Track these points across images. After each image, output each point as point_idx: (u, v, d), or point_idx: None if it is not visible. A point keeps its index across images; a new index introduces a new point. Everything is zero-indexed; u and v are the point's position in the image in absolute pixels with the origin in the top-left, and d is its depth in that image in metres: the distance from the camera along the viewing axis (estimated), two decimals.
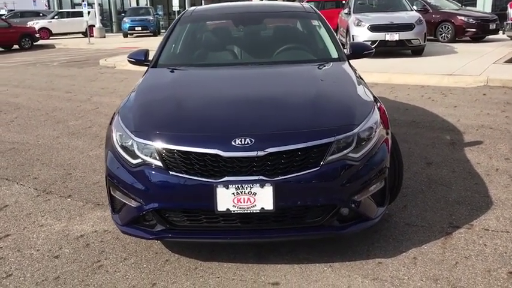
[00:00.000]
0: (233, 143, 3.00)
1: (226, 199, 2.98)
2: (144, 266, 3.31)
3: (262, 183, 2.95)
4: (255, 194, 2.97)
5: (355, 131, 3.17)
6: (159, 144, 3.09)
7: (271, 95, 3.68)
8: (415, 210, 4.00)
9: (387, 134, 3.51)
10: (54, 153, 5.89)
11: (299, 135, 3.07)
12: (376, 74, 9.87)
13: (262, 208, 3.00)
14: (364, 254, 3.36)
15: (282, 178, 2.98)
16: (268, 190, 2.96)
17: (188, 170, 3.03)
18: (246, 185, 2.96)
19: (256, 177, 2.97)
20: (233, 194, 2.97)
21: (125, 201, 3.23)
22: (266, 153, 2.97)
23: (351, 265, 3.24)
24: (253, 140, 3.01)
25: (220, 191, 2.97)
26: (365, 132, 3.23)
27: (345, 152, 3.11)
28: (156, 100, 3.75)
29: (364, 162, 3.17)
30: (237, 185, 2.96)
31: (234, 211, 3.01)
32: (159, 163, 3.09)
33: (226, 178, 2.98)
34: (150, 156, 3.11)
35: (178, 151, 3.04)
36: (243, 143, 3.00)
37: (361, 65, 6.75)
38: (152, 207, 3.12)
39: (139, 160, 3.15)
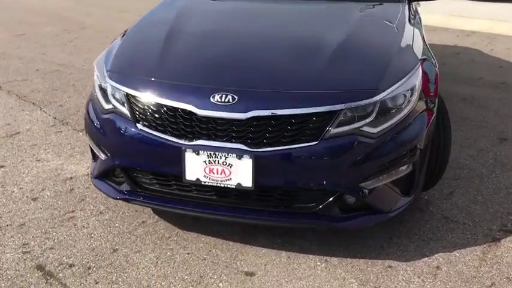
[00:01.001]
0: (211, 99, 2.39)
1: (196, 167, 2.42)
2: (116, 225, 2.92)
3: (240, 154, 2.34)
4: (230, 165, 2.38)
5: (377, 98, 2.41)
6: (129, 90, 2.56)
7: (285, 39, 2.96)
8: (462, 201, 3.18)
9: (430, 105, 2.68)
10: (91, 81, 5.61)
11: (295, 98, 2.38)
12: (474, 21, 8.42)
13: (239, 184, 2.41)
14: (374, 252, 2.69)
15: (266, 150, 2.34)
16: (247, 163, 2.35)
17: (157, 125, 2.49)
18: (221, 154, 2.37)
19: (235, 146, 2.37)
20: (204, 162, 2.40)
21: (95, 150, 2.80)
22: (249, 116, 2.33)
23: (351, 264, 2.60)
24: (236, 98, 2.37)
25: (190, 157, 2.41)
26: (393, 101, 2.46)
27: (358, 124, 2.38)
28: (147, 34, 3.19)
29: (384, 139, 2.43)
30: (209, 152, 2.38)
31: (205, 182, 2.45)
32: (127, 112, 2.57)
33: (199, 142, 2.40)
34: (121, 103, 2.60)
35: (148, 101, 2.48)
36: (222, 100, 2.37)
37: (460, 8, 5.56)
38: (117, 163, 2.65)
39: (110, 106, 2.66)
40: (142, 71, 2.64)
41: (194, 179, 2.45)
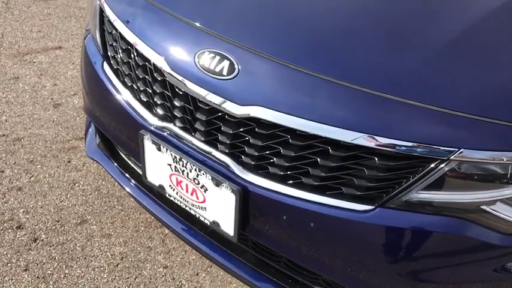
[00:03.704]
0: (195, 59, 1.22)
1: (159, 168, 1.37)
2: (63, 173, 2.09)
3: (217, 178, 1.21)
4: (204, 188, 1.27)
5: None
6: (104, 4, 1.50)
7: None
8: None
9: None
10: None
11: (357, 108, 1.09)
12: None
13: (216, 223, 1.31)
14: None
15: (269, 189, 1.17)
16: (228, 198, 1.22)
17: (124, 75, 1.44)
18: (191, 164, 1.26)
19: (216, 157, 1.23)
20: (170, 166, 1.33)
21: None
22: (246, 113, 1.14)
23: None
24: (236, 69, 1.17)
25: (150, 149, 1.35)
26: None
27: (478, 196, 1.02)
28: None
29: None
30: (175, 154, 1.29)
31: (170, 196, 1.40)
32: (98, 40, 1.55)
33: (165, 125, 1.31)
34: (94, 25, 1.58)
35: (120, 30, 1.41)
36: (211, 68, 1.19)
37: None
38: (84, 111, 1.72)
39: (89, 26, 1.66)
40: None
41: (157, 184, 1.42)
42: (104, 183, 2.07)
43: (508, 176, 1.01)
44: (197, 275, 1.73)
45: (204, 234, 1.43)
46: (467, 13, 1.26)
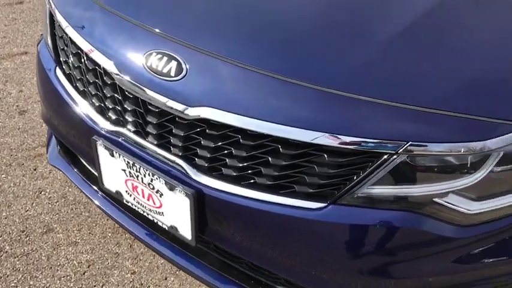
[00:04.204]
0: (144, 60, 1.19)
1: (115, 174, 1.34)
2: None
3: (171, 182, 1.19)
4: (160, 193, 1.24)
5: (496, 141, 0.97)
6: (53, 7, 1.46)
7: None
8: None
9: None
10: None
11: (307, 104, 1.07)
12: None
13: (174, 228, 1.29)
14: None
15: (223, 191, 1.14)
16: (183, 202, 1.19)
17: (77, 81, 1.40)
18: (144, 168, 1.23)
19: (170, 160, 1.20)
20: (124, 172, 1.30)
21: None
22: (197, 114, 1.11)
23: None
24: (184, 69, 1.14)
25: (103, 154, 1.32)
26: None
27: (431, 188, 1.01)
28: None
29: (492, 233, 1.04)
30: (128, 159, 1.26)
31: (127, 202, 1.38)
32: (50, 44, 1.52)
33: (117, 130, 1.28)
34: (45, 29, 1.54)
35: (71, 39, 1.37)
36: (159, 69, 1.16)
37: None
38: (43, 119, 1.68)
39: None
40: None
41: (114, 190, 1.39)
42: (70, 190, 2.03)
43: (459, 167, 1.00)
44: (165, 279, 1.70)
45: (165, 239, 1.41)
46: (416, 5, 1.24)
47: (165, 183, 1.19)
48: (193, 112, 1.11)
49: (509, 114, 0.98)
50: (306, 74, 1.08)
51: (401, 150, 0.97)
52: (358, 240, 1.06)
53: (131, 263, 1.76)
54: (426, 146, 0.97)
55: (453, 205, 1.02)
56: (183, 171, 1.17)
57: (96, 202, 1.57)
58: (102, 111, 1.32)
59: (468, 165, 1.00)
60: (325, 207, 1.06)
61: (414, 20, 1.17)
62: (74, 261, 1.75)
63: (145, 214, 1.34)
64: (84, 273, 1.71)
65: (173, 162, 1.18)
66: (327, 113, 1.04)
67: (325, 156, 1.03)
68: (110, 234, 1.85)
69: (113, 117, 1.30)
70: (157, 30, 1.22)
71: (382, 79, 1.05)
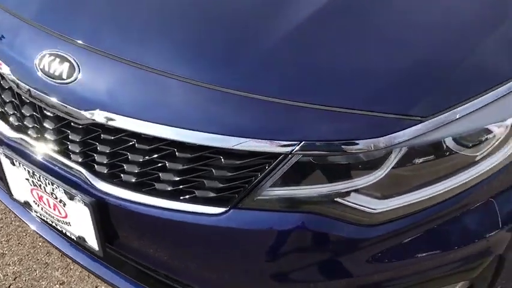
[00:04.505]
0: (37, 64, 1.12)
1: (20, 184, 1.26)
2: None
3: (69, 191, 1.12)
4: (63, 203, 1.18)
5: (396, 137, 0.93)
6: None
7: None
8: None
9: None
10: None
11: (204, 104, 1.01)
12: None
13: (82, 239, 1.22)
14: None
15: (124, 199, 1.08)
16: (83, 212, 1.13)
17: None
18: (44, 177, 1.16)
19: (70, 167, 1.13)
20: (27, 181, 1.23)
21: None
22: (91, 119, 1.04)
23: None
24: (76, 70, 1.07)
25: (6, 163, 1.25)
26: (442, 145, 0.96)
27: (335, 187, 0.96)
28: None
29: (402, 230, 1.00)
30: (28, 168, 1.18)
31: (37, 213, 1.30)
32: None
33: (16, 136, 1.21)
34: None
35: None
36: (51, 71, 1.09)
37: None
38: None
39: None
40: None
41: (22, 200, 1.31)
42: None
43: (359, 165, 0.95)
44: None
45: (81, 248, 1.34)
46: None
47: (65, 192, 1.12)
48: (87, 116, 1.04)
49: (407, 109, 0.94)
50: (204, 73, 1.02)
51: (295, 150, 0.92)
52: (261, 245, 1.01)
53: (61, 273, 1.68)
54: (321, 145, 0.92)
55: (357, 204, 0.97)
56: (83, 178, 1.10)
57: (17, 213, 1.49)
58: (3, 117, 1.25)
59: (368, 163, 0.95)
60: (226, 212, 1.00)
61: (304, 17, 1.08)
62: (0, 274, 1.67)
63: (54, 225, 1.27)
64: (9, 287, 1.64)
65: (73, 169, 1.12)
66: (220, 113, 0.98)
67: (222, 158, 0.97)
68: (40, 244, 1.78)
69: (14, 123, 1.22)
70: (52, 30, 1.15)
71: (278, 76, 0.99)
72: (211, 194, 1.01)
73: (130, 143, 1.04)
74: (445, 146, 0.96)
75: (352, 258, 1.01)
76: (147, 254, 1.16)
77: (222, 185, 0.99)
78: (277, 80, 0.98)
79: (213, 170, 0.99)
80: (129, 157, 1.05)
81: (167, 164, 1.02)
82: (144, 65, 1.04)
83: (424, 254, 1.03)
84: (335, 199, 0.97)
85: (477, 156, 0.98)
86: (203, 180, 1.01)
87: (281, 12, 1.09)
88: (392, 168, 0.96)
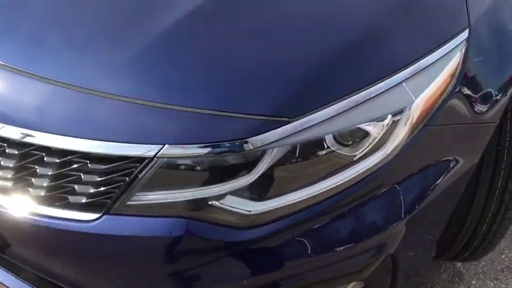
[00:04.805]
0: None
1: None
2: None
3: None
4: None
5: (264, 137, 0.90)
6: None
7: None
8: None
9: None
10: None
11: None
12: None
13: None
14: None
15: None
16: None
17: None
18: None
19: None
20: None
21: None
22: None
23: None
24: None
25: None
26: (318, 144, 0.94)
27: (208, 191, 0.93)
28: None
29: (280, 232, 0.98)
30: None
31: None
32: None
33: None
34: None
35: None
36: None
37: None
38: None
39: None
40: None
41: None
42: None
43: (231, 168, 0.92)
44: None
45: None
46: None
47: None
48: None
49: (274, 110, 0.90)
50: (75, 76, 0.98)
51: (158, 153, 0.89)
52: (135, 251, 0.98)
53: None
54: (185, 148, 0.89)
55: (232, 207, 0.94)
56: None
57: None
58: None
59: (241, 165, 0.92)
60: (99, 218, 0.97)
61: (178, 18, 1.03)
62: None
63: None
64: None
65: None
66: (81, 116, 0.94)
67: (88, 163, 0.94)
68: None
69: None
70: None
71: (140, 77, 0.96)
72: (84, 200, 0.97)
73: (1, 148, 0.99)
74: (322, 146, 0.94)
75: (227, 262, 0.98)
76: (35, 262, 1.12)
77: (92, 191, 0.96)
78: (137, 81, 0.95)
79: (82, 175, 0.95)
80: (1, 163, 1.01)
81: (37, 170, 0.98)
82: (28, 72, 0.99)
83: (307, 254, 1.01)
84: (209, 202, 0.94)
85: (356, 155, 0.96)
86: (74, 185, 0.97)
87: (149, 17, 1.05)
88: (269, 169, 0.93)
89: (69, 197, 0.98)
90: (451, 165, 1.10)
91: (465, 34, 1.03)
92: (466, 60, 1.02)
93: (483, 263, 1.82)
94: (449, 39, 1.00)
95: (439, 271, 1.78)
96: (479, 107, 1.06)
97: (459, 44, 1.01)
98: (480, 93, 1.07)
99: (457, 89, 1.02)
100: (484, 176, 1.30)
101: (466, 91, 1.04)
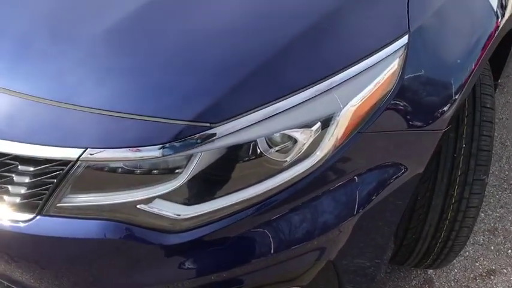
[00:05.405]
0: None
1: None
2: None
3: None
4: None
5: (188, 143, 0.91)
6: None
7: None
8: None
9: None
10: None
11: None
12: None
13: None
14: None
15: None
16: None
17: None
18: None
19: None
20: None
21: None
22: None
23: None
24: None
25: None
26: (249, 150, 0.94)
27: (136, 195, 0.94)
28: None
29: (211, 237, 0.98)
30: None
31: None
32: None
33: None
34: None
35: None
36: None
37: None
38: None
39: None
40: None
41: None
42: None
43: (157, 172, 0.93)
44: None
45: None
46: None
47: None
48: None
49: (198, 115, 0.90)
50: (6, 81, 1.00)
51: (82, 156, 0.90)
52: (66, 253, 0.99)
53: None
54: (108, 151, 0.89)
55: (160, 211, 0.94)
56: None
57: None
58: None
59: (167, 169, 0.92)
60: (33, 218, 0.98)
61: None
62: None
63: None
64: None
65: None
66: (14, 119, 0.96)
67: (18, 165, 0.95)
68: None
69: None
70: None
71: (70, 82, 0.97)
72: (18, 200, 0.99)
73: None
74: (252, 151, 0.94)
75: (158, 265, 0.98)
76: None
77: (23, 191, 0.97)
78: (65, 86, 0.96)
79: (14, 176, 0.97)
80: None
81: None
82: None
83: (240, 258, 1.01)
84: (137, 206, 0.94)
85: (286, 161, 0.96)
86: (8, 186, 0.98)
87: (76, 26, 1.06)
88: (198, 173, 0.93)
89: (5, 196, 1.00)
90: (394, 171, 1.09)
91: (404, 40, 1.01)
92: (405, 67, 1.01)
93: (456, 271, 1.79)
94: (386, 45, 0.99)
95: (410, 277, 1.76)
96: (419, 115, 1.05)
97: (397, 50, 1.00)
98: (421, 100, 1.05)
99: (395, 95, 1.00)
100: (439, 184, 1.28)
101: (405, 97, 1.02)
